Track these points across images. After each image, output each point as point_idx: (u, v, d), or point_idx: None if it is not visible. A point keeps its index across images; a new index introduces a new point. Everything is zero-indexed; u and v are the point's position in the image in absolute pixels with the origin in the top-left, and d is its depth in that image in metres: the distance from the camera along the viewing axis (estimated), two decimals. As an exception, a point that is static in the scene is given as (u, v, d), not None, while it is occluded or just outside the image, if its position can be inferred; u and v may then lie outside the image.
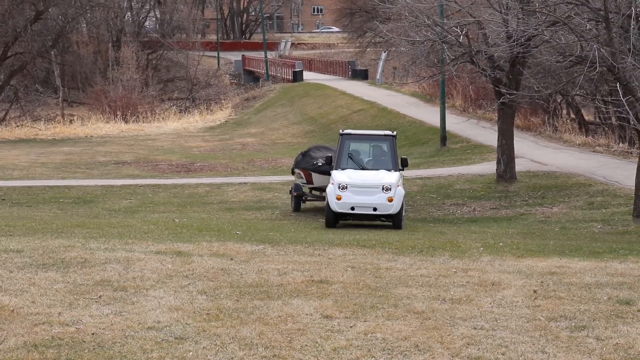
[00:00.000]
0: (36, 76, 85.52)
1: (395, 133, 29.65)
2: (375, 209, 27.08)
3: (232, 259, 17.27)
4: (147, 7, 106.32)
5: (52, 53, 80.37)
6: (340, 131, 29.57)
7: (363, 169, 28.44)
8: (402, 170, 28.85)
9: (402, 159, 29.12)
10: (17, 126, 68.67)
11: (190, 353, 10.56)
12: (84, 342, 10.89)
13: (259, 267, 16.42)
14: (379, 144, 29.55)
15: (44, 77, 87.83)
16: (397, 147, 29.78)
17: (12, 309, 12.39)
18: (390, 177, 27.46)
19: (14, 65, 74.34)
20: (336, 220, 27.50)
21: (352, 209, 27.05)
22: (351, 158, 28.60)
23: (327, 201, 27.27)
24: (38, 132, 66.08)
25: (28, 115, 74.41)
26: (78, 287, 14.04)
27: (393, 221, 27.40)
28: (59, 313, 12.27)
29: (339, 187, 26.94)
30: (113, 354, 10.41)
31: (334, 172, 27.70)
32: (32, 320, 11.81)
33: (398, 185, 27.12)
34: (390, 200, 26.82)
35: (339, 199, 26.86)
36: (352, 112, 61.83)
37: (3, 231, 21.94)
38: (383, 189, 26.95)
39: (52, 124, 69.67)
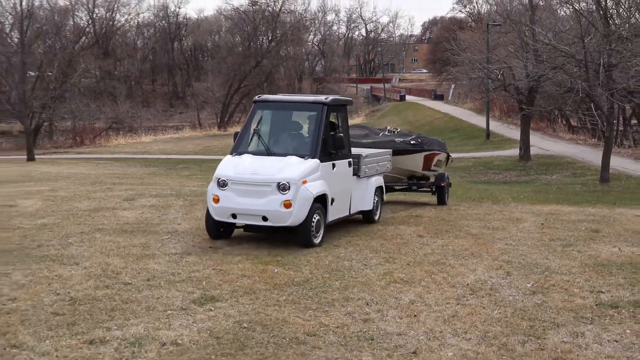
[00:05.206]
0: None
1: (328, 99, 11.52)
2: (265, 219, 10.50)
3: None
4: (317, 58, 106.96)
5: (264, 85, 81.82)
6: (256, 97, 11.97)
7: (269, 153, 11.06)
8: (334, 156, 11.44)
9: (335, 137, 11.34)
10: (245, 126, 70.79)
11: (342, 253, 10.75)
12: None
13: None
14: (305, 115, 11.70)
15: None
16: (347, 122, 12.67)
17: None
18: (294, 169, 10.63)
19: (244, 92, 76.10)
20: (219, 229, 11.11)
21: (234, 216, 10.67)
22: (258, 136, 11.34)
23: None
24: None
25: (252, 121, 76.52)
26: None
27: (299, 234, 10.71)
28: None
29: (217, 184, 10.79)
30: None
31: (223, 159, 11.19)
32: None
33: (305, 182, 10.57)
34: (288, 205, 10.40)
35: (215, 200, 10.75)
36: (434, 119, 61.03)
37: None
38: (279, 187, 10.43)
39: (264, 127, 71.19)
